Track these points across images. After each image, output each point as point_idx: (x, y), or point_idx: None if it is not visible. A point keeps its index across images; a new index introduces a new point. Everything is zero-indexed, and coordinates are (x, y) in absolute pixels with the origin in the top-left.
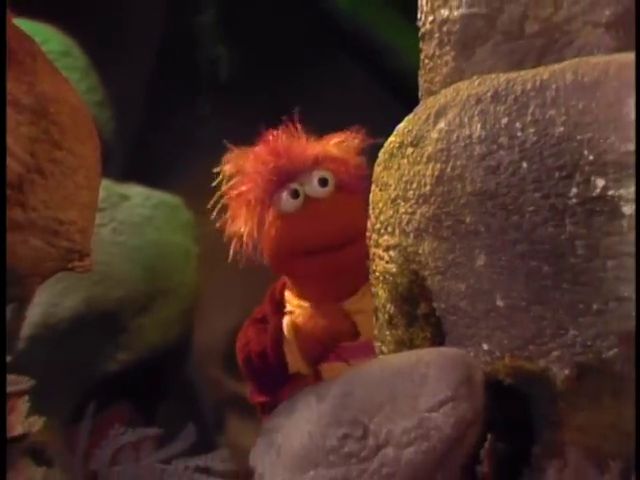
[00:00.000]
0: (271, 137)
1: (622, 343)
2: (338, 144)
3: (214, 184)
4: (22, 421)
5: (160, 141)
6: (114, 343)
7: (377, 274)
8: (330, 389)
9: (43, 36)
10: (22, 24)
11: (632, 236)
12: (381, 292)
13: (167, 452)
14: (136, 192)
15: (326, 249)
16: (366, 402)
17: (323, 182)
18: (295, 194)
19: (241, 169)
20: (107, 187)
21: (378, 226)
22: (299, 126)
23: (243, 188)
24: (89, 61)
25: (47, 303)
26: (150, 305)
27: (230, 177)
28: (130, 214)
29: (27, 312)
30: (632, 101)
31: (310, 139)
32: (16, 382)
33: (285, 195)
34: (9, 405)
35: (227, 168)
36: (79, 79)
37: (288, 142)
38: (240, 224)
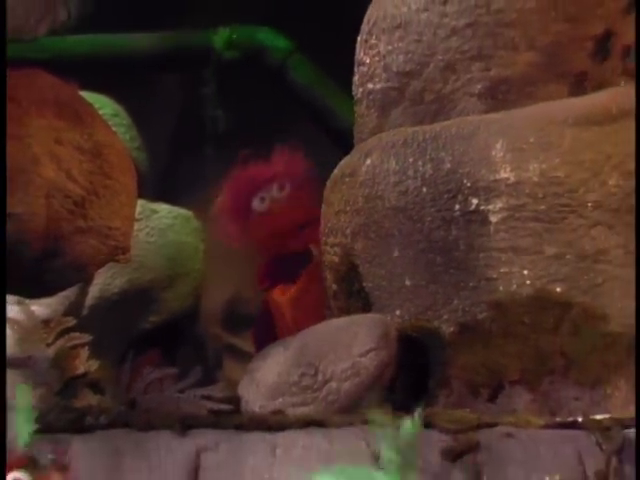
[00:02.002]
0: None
1: None
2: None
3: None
4: (84, 363)
5: (178, 173)
6: (147, 310)
7: (326, 263)
8: (292, 342)
9: (100, 103)
10: (85, 95)
11: (497, 237)
12: (328, 276)
13: (182, 385)
14: (162, 207)
15: (285, 233)
16: (317, 350)
17: (280, 188)
18: (262, 200)
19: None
20: (141, 204)
21: (327, 231)
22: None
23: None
24: (131, 120)
25: (102, 283)
26: (171, 284)
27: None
28: (158, 222)
29: (89, 289)
30: (498, 146)
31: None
32: (79, 337)
33: (256, 201)
34: (75, 352)
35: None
36: (124, 132)
37: (255, 168)
38: (230, 221)
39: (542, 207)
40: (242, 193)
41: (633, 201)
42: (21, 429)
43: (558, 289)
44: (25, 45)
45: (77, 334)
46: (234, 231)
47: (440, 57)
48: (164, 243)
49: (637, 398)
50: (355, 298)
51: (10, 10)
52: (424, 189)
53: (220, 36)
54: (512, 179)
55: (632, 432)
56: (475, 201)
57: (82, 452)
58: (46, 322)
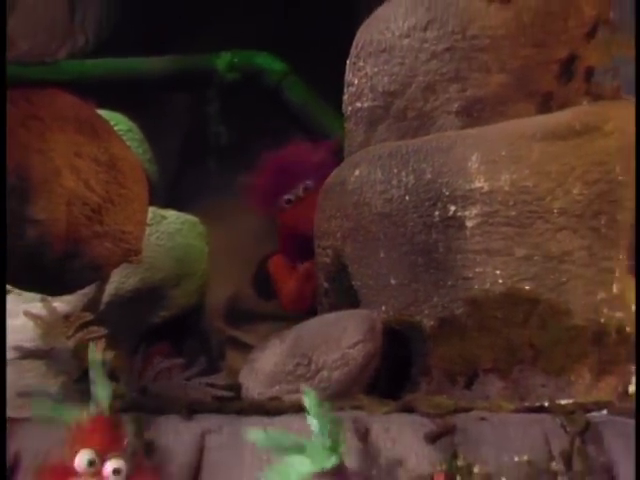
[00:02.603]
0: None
1: None
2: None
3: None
4: (100, 354)
5: (185, 183)
6: (157, 306)
7: (319, 264)
8: (288, 335)
9: (115, 120)
10: (102, 112)
11: (472, 240)
12: (321, 275)
13: (188, 374)
14: (171, 214)
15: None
16: (310, 343)
17: (306, 189)
18: (289, 201)
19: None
20: (152, 211)
21: (319, 234)
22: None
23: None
24: (143, 135)
25: (117, 282)
26: (179, 283)
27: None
28: (167, 227)
29: (105, 287)
30: (473, 158)
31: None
32: (96, 330)
33: (282, 201)
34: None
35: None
36: (137, 146)
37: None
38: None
39: (513, 213)
40: (271, 178)
41: (595, 207)
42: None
43: (527, 287)
44: (47, 68)
45: (94, 328)
46: (261, 211)
47: (421, 78)
48: (172, 246)
49: (637, 397)
50: (345, 295)
51: (32, 36)
52: (407, 197)
53: (222, 60)
54: (486, 188)
55: (594, 415)
56: (453, 208)
57: None
58: (66, 317)
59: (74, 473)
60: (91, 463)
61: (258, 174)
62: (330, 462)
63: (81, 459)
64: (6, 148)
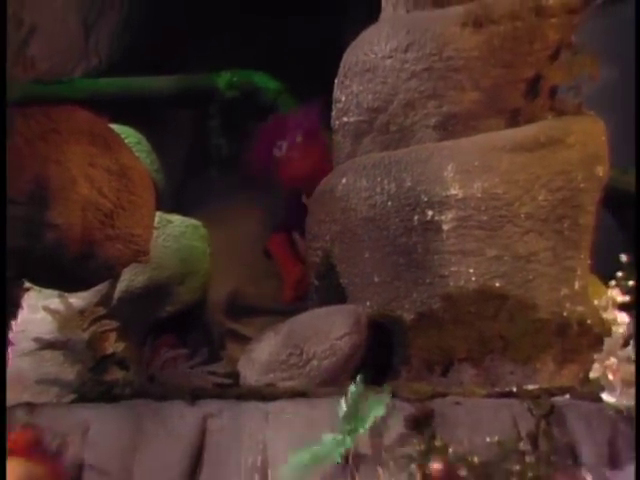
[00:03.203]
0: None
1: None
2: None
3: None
4: (112, 345)
5: (189, 191)
6: (164, 302)
7: (310, 263)
8: (282, 328)
9: (125, 133)
10: (114, 126)
11: (448, 242)
12: (312, 273)
13: (192, 363)
14: (176, 218)
15: (301, 175)
16: (302, 335)
17: (296, 140)
18: (280, 148)
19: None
20: (159, 215)
21: (310, 237)
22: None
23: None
24: (151, 147)
25: (128, 279)
26: (184, 280)
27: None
28: (172, 230)
29: (117, 284)
30: (449, 168)
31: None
32: (109, 323)
33: (276, 150)
34: (105, 335)
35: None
36: (145, 157)
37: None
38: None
39: (484, 218)
40: (264, 143)
41: (559, 212)
42: None
43: (497, 284)
44: (64, 86)
45: (107, 321)
46: (261, 172)
47: (402, 96)
48: (178, 247)
49: (637, 396)
50: (333, 292)
51: (51, 57)
52: (389, 203)
53: (223, 79)
54: (460, 195)
55: (558, 399)
56: (430, 213)
57: (111, 419)
58: (82, 311)
59: None
60: None
61: (255, 142)
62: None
63: None
64: (6, 148)
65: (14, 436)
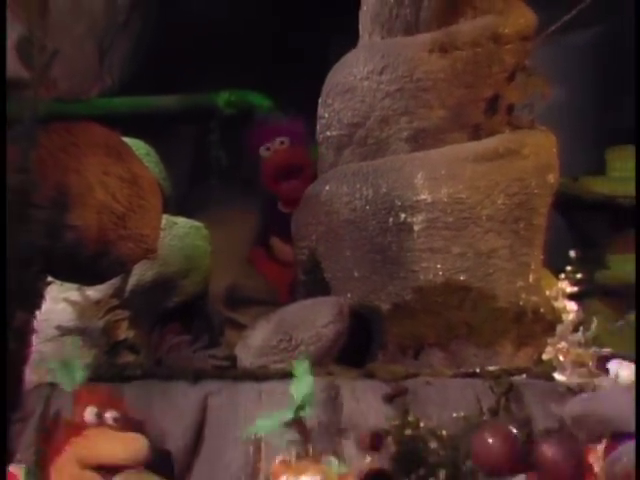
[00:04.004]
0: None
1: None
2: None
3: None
4: (124, 332)
5: (192, 196)
6: (170, 294)
7: (297, 260)
8: (273, 317)
9: (136, 146)
10: (126, 140)
11: (419, 241)
12: (299, 269)
13: (194, 347)
14: (180, 220)
15: (286, 173)
16: (291, 323)
17: (281, 143)
18: (267, 149)
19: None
20: (166, 218)
21: (298, 237)
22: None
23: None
24: (158, 157)
25: (138, 274)
26: (188, 274)
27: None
28: (178, 231)
29: (129, 279)
30: (419, 176)
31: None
32: (121, 313)
33: (263, 150)
34: (118, 323)
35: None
36: (153, 166)
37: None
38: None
39: (450, 219)
40: (253, 145)
41: (515, 214)
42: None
43: (462, 278)
44: (82, 104)
45: (120, 311)
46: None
47: (378, 113)
48: (182, 246)
49: (637, 395)
50: (318, 285)
51: (70, 79)
52: (367, 207)
53: (221, 97)
54: (429, 200)
55: (516, 378)
56: (403, 215)
57: (123, 395)
58: (98, 302)
59: (85, 425)
60: (98, 415)
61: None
62: (291, 416)
63: (89, 413)
64: (6, 149)
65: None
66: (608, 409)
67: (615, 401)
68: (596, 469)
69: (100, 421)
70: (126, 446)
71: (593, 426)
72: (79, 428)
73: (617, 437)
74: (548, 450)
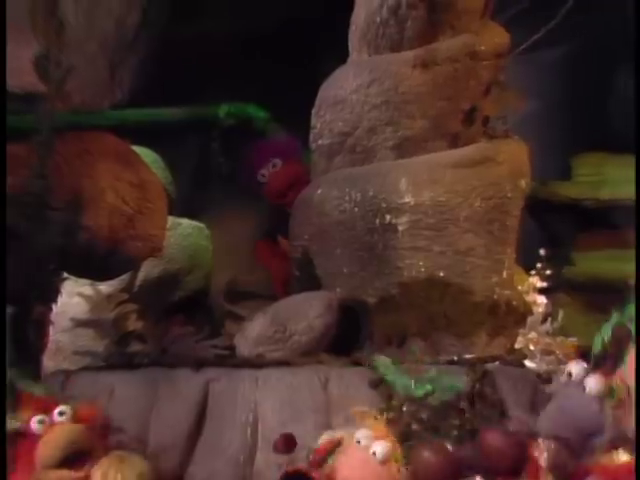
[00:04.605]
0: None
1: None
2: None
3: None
4: (133, 323)
5: (195, 200)
6: (175, 288)
7: (292, 257)
8: (269, 310)
9: (144, 153)
10: (135, 148)
11: (403, 240)
12: (294, 265)
13: (197, 338)
14: (184, 221)
15: (285, 190)
16: (285, 315)
17: (273, 166)
18: (263, 176)
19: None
20: (171, 219)
21: (293, 236)
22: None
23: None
24: (165, 164)
25: (146, 270)
26: (192, 271)
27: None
28: (182, 231)
29: (137, 275)
30: (403, 181)
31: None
32: (130, 306)
33: (260, 176)
34: (128, 316)
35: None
36: (160, 172)
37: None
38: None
39: (431, 221)
40: (249, 171)
41: (490, 216)
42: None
43: (442, 274)
44: (94, 116)
45: (129, 304)
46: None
47: (365, 123)
48: (186, 245)
49: (637, 401)
50: (311, 281)
51: (83, 92)
52: (356, 209)
53: (222, 109)
54: (412, 202)
55: (490, 365)
56: (389, 217)
57: (131, 382)
58: (109, 296)
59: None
60: (41, 422)
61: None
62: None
63: (34, 422)
64: (6, 149)
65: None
66: (581, 425)
67: (587, 417)
68: (540, 462)
69: (48, 424)
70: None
71: (564, 442)
72: (34, 439)
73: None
74: (493, 439)
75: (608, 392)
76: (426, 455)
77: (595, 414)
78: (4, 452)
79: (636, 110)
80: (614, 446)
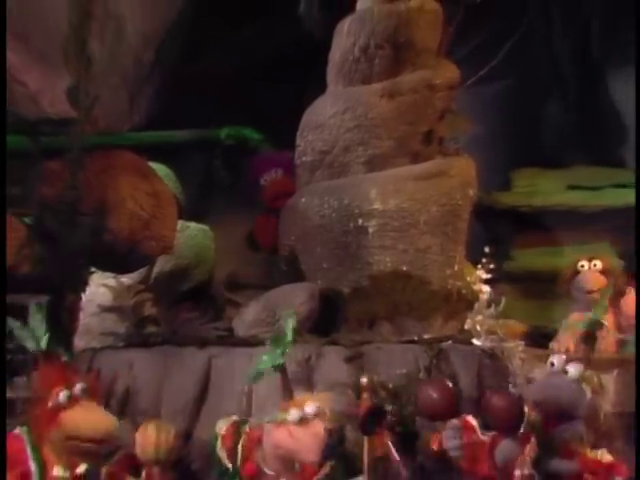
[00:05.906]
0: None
1: None
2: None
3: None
4: (149, 310)
5: (201, 207)
6: (184, 280)
7: (281, 255)
8: (262, 297)
9: (158, 168)
10: (151, 164)
11: (373, 240)
12: (282, 262)
13: (202, 321)
14: (192, 225)
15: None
16: (275, 302)
17: (275, 172)
18: (265, 181)
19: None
20: (180, 223)
21: (282, 237)
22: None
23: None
24: (176, 177)
25: (160, 265)
26: (197, 265)
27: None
28: (189, 233)
29: (153, 269)
30: (373, 191)
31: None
32: (147, 295)
33: (262, 181)
34: (144, 303)
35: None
36: (172, 184)
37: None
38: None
39: (396, 224)
40: (254, 175)
41: (445, 220)
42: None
43: (405, 268)
44: (117, 137)
45: (145, 293)
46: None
47: (341, 143)
48: (193, 244)
49: (637, 402)
50: (296, 274)
51: (107, 117)
52: (333, 214)
53: (223, 131)
54: (380, 209)
55: (444, 344)
56: (361, 221)
57: (147, 358)
58: (129, 287)
59: (61, 407)
60: (69, 396)
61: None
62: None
63: (63, 396)
64: (6, 150)
65: None
66: (564, 397)
67: (569, 391)
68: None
69: (73, 399)
70: (97, 424)
71: (550, 408)
72: (57, 410)
73: (564, 417)
74: (497, 400)
75: (584, 378)
76: (429, 390)
77: (574, 391)
78: (4, 451)
79: (636, 117)
80: (593, 443)
